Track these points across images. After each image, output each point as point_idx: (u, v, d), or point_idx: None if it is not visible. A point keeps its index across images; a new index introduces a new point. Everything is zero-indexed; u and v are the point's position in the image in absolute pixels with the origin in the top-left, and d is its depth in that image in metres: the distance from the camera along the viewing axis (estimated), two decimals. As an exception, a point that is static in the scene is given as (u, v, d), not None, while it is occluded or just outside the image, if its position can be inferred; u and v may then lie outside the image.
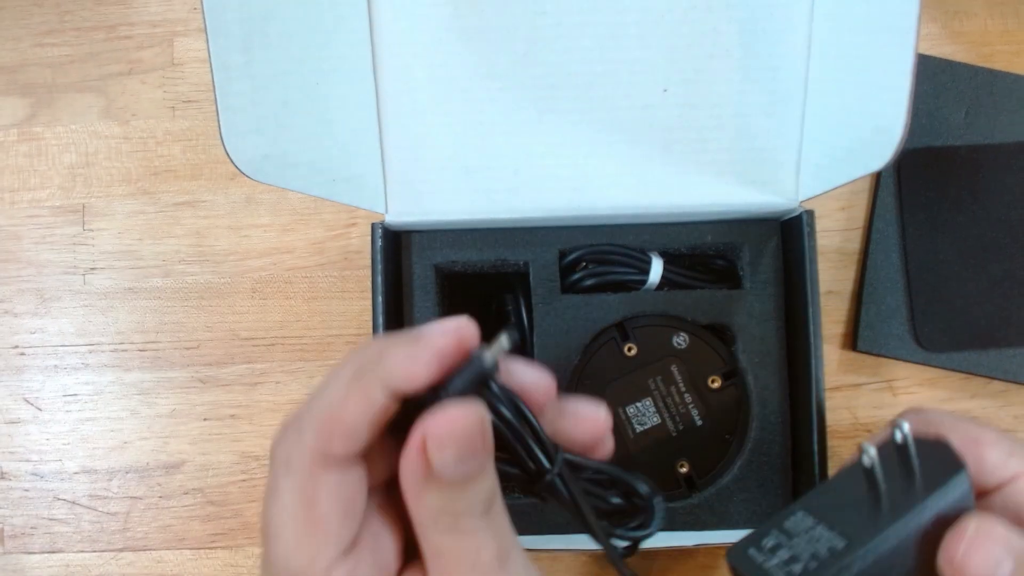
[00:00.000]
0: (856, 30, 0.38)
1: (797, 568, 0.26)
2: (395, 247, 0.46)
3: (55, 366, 0.56)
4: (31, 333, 0.56)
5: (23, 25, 0.58)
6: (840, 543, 0.26)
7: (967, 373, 0.51)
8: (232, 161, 0.37)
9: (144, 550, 0.54)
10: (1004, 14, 0.54)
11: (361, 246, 0.55)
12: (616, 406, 0.46)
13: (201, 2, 0.35)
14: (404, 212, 0.44)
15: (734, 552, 0.28)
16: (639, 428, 0.46)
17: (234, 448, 0.54)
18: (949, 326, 0.50)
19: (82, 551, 0.54)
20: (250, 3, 0.37)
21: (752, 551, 0.27)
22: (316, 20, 0.40)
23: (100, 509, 0.54)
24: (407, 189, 0.44)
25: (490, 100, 0.42)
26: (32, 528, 0.54)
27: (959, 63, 0.53)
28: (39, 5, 0.58)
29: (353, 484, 0.24)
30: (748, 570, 0.26)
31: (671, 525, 0.45)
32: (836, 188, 0.41)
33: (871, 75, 0.37)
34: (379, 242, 0.44)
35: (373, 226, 0.44)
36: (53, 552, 0.54)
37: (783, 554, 0.26)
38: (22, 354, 0.56)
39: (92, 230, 0.56)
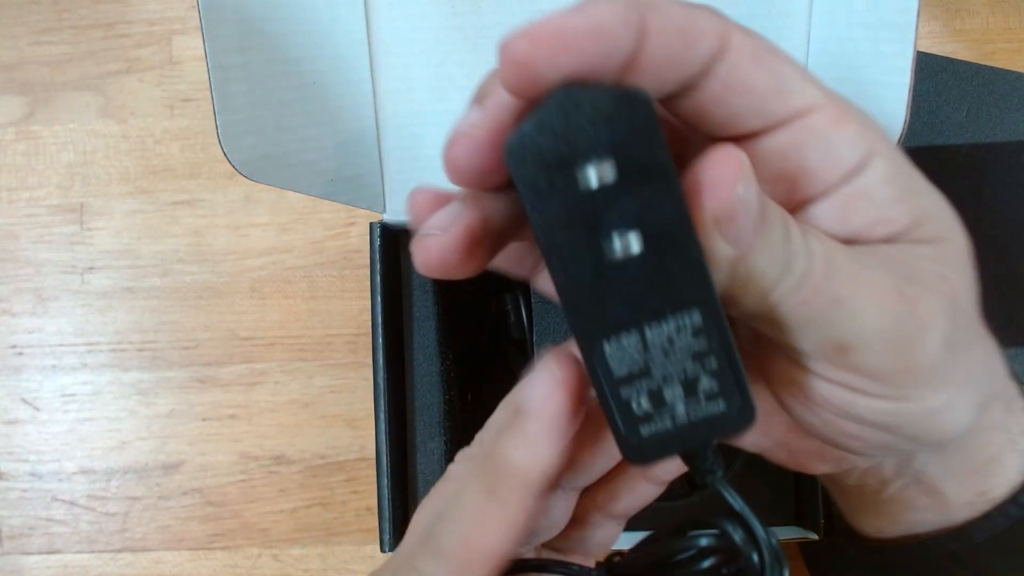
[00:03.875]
0: (855, 27, 0.38)
1: (706, 383, 0.20)
2: (394, 246, 0.46)
3: (53, 366, 0.55)
4: (29, 333, 0.56)
5: (21, 23, 0.58)
6: (694, 319, 0.20)
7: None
8: (229, 162, 0.37)
9: (143, 551, 0.54)
10: (1006, 12, 0.54)
11: (360, 245, 0.55)
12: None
13: (197, 2, 0.35)
14: (403, 211, 0.44)
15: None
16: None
17: (233, 448, 0.54)
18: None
19: (80, 552, 0.54)
20: (246, 3, 0.37)
21: (638, 435, 0.21)
22: (313, 20, 0.40)
23: (99, 509, 0.54)
24: (405, 188, 0.44)
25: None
26: (30, 529, 0.54)
27: (961, 61, 0.53)
28: (37, 3, 0.58)
29: None
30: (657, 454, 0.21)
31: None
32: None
33: (870, 73, 0.37)
34: (378, 241, 0.43)
35: (372, 225, 0.44)
36: (51, 553, 0.54)
37: (652, 390, 0.20)
38: (20, 354, 0.56)
39: (90, 229, 0.56)
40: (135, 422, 0.55)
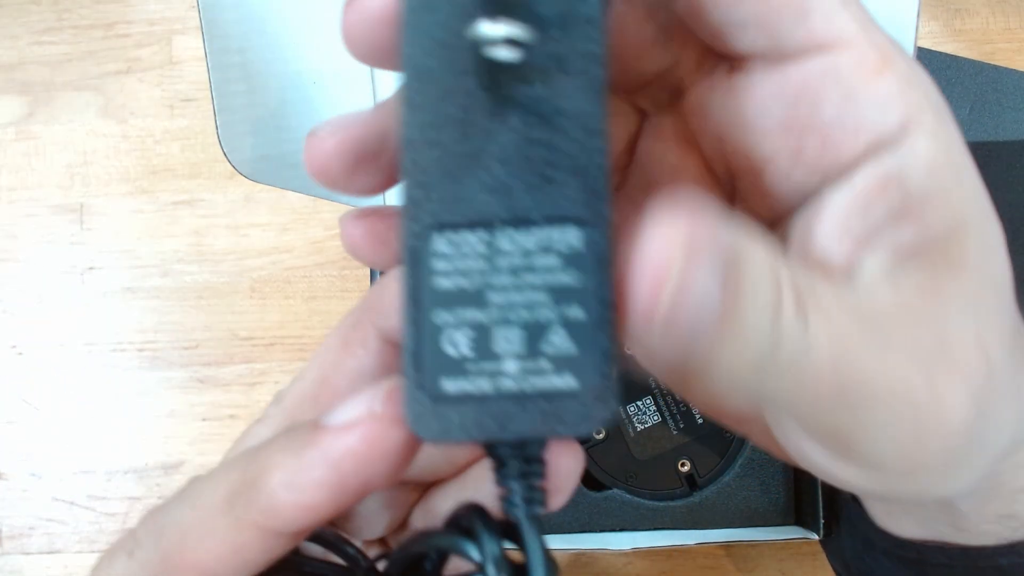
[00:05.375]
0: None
1: (559, 340, 0.14)
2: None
3: (53, 366, 0.55)
4: (29, 333, 0.56)
5: (21, 23, 0.57)
6: (569, 240, 0.14)
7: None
8: (230, 162, 0.37)
9: (143, 550, 0.54)
10: (1006, 12, 0.54)
11: (360, 245, 0.55)
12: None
13: (197, 2, 0.35)
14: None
15: (415, 418, 0.14)
16: (640, 427, 0.46)
17: (233, 448, 0.54)
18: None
19: (81, 552, 0.54)
20: (246, 3, 0.36)
21: (436, 389, 0.14)
22: (313, 20, 0.40)
23: (99, 509, 0.54)
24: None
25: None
26: (30, 528, 0.54)
27: (964, 59, 0.52)
28: (37, 3, 0.58)
29: None
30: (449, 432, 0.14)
31: (671, 524, 0.45)
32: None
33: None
34: (378, 241, 0.43)
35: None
36: (51, 553, 0.54)
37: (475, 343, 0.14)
38: (20, 354, 0.56)
39: (90, 229, 0.56)
40: (135, 422, 0.55)
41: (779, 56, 0.17)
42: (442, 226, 0.14)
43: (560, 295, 0.14)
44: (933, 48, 0.53)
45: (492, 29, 0.13)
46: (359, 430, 0.15)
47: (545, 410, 0.14)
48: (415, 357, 0.14)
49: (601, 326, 0.14)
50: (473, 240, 0.14)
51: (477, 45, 0.13)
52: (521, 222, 0.14)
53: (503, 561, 0.15)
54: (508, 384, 0.14)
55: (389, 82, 0.43)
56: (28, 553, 0.54)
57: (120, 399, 0.55)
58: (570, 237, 0.14)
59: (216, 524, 0.16)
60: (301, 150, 0.43)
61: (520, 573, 0.15)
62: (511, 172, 0.14)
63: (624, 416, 0.46)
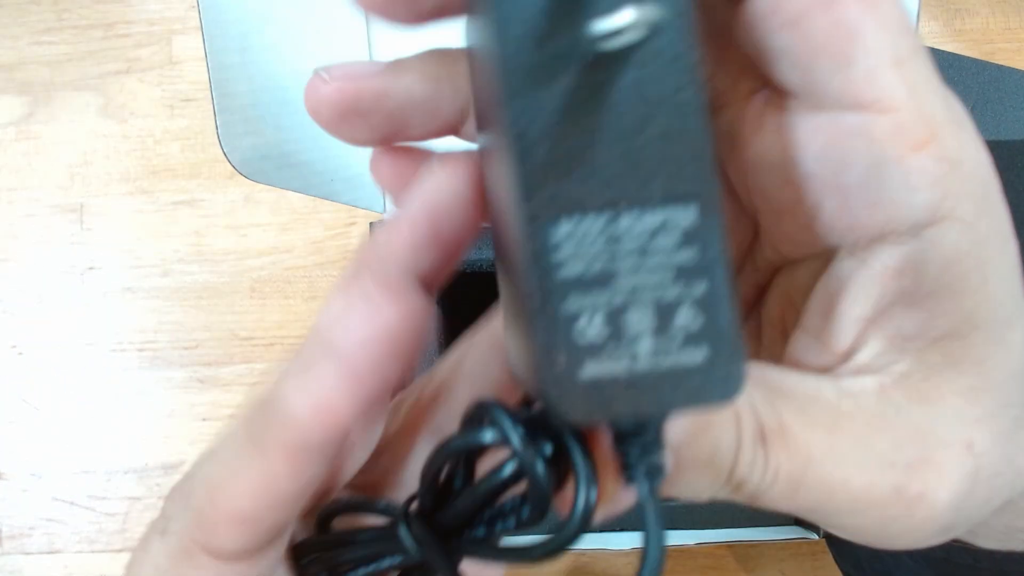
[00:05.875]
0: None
1: (686, 316, 0.14)
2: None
3: (53, 366, 0.55)
4: (29, 333, 0.56)
5: (21, 23, 0.57)
6: (689, 217, 0.14)
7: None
8: (230, 162, 0.37)
9: (143, 550, 0.54)
10: (1006, 12, 0.54)
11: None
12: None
13: (197, 2, 0.35)
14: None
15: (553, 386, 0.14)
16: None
17: (233, 448, 0.54)
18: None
19: (80, 551, 0.54)
20: (246, 3, 0.36)
21: (574, 374, 0.14)
22: (313, 20, 0.40)
23: (99, 509, 0.54)
24: (406, 188, 0.44)
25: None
26: (30, 528, 0.54)
27: (966, 57, 0.52)
28: (37, 3, 0.58)
29: None
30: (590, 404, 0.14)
31: (672, 524, 0.45)
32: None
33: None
34: (378, 241, 0.43)
35: (372, 225, 0.44)
36: (51, 553, 0.54)
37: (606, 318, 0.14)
38: (20, 354, 0.56)
39: (90, 229, 0.56)
40: (135, 422, 0.55)
41: (814, 101, 0.16)
42: (562, 214, 0.14)
43: (682, 271, 0.14)
44: (933, 47, 0.53)
45: (609, 23, 0.13)
46: (371, 333, 0.15)
47: (681, 384, 0.14)
48: (551, 346, 0.14)
49: (724, 297, 0.14)
50: (594, 225, 0.14)
51: (587, 35, 0.14)
52: (639, 202, 0.14)
53: (530, 440, 0.15)
54: (645, 364, 0.14)
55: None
56: (28, 553, 0.54)
57: (120, 399, 0.55)
58: (685, 214, 0.14)
59: (241, 464, 0.16)
60: (301, 150, 0.43)
61: (557, 460, 0.15)
62: (623, 154, 0.14)
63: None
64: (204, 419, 0.54)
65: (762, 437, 0.15)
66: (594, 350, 0.14)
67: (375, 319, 0.15)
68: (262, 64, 0.37)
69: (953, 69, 0.53)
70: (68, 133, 0.57)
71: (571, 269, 0.14)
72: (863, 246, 0.16)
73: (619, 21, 0.13)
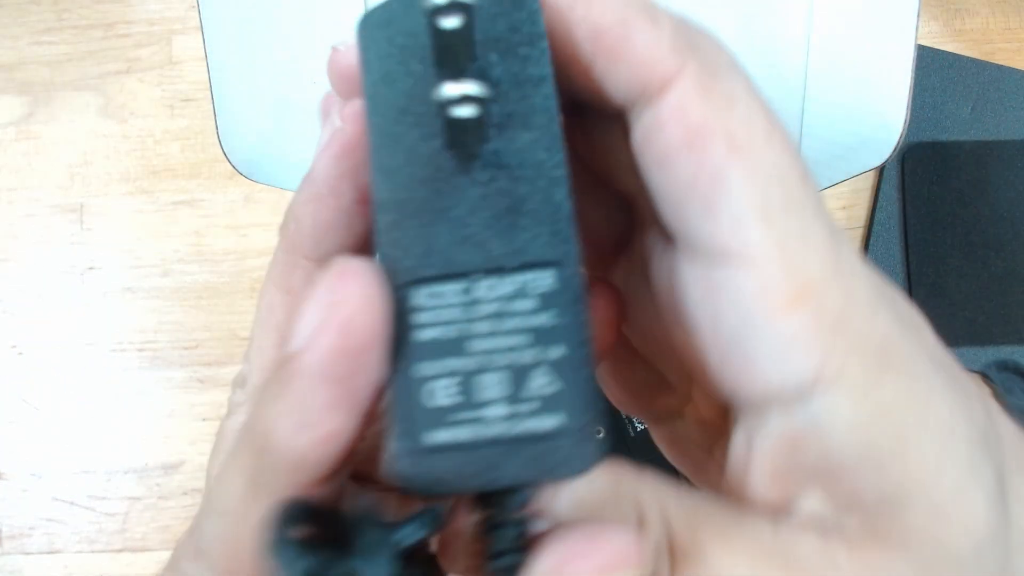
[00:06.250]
0: (855, 25, 0.38)
1: (542, 380, 0.14)
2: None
3: (53, 366, 0.55)
4: (29, 333, 0.56)
5: (21, 23, 0.57)
6: (545, 282, 0.14)
7: (967, 371, 0.50)
8: (230, 162, 0.37)
9: (143, 551, 0.54)
10: (1006, 12, 0.54)
11: (360, 245, 0.55)
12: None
13: (197, 2, 0.35)
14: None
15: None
16: (640, 427, 0.46)
17: (233, 448, 0.54)
18: (948, 322, 0.50)
19: (80, 551, 0.54)
20: (246, 3, 0.36)
21: (416, 440, 0.14)
22: (313, 19, 0.40)
23: (99, 509, 0.54)
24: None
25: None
26: (30, 528, 0.54)
27: (966, 57, 0.52)
28: (37, 3, 0.58)
29: None
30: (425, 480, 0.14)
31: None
32: (836, 185, 0.41)
33: (870, 71, 0.37)
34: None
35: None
36: (51, 553, 0.54)
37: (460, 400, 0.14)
38: (20, 354, 0.56)
39: (90, 229, 0.56)
40: (135, 422, 0.55)
41: (688, 247, 0.15)
42: (420, 281, 0.14)
43: (539, 336, 0.14)
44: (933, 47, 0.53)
45: (454, 89, 0.14)
46: (329, 326, 0.14)
47: (534, 453, 0.14)
48: (400, 411, 0.14)
49: (583, 361, 0.14)
50: (451, 291, 0.14)
51: (440, 107, 0.14)
52: (496, 270, 0.14)
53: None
54: (495, 430, 0.14)
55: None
56: (28, 553, 0.54)
57: (120, 399, 0.55)
58: (544, 279, 0.14)
59: (252, 507, 0.15)
60: (301, 150, 0.43)
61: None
62: (482, 223, 0.14)
63: (624, 416, 0.45)
64: (204, 419, 0.54)
65: (671, 551, 0.14)
66: (443, 414, 0.13)
67: (331, 312, 0.14)
68: (262, 64, 0.37)
69: (952, 70, 0.53)
70: (68, 133, 0.57)
71: (426, 333, 0.14)
72: (755, 410, 0.15)
73: (462, 89, 0.14)
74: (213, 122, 0.36)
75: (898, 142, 0.35)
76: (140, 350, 0.55)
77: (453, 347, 0.14)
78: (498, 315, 0.14)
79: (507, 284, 0.14)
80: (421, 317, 0.14)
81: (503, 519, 0.14)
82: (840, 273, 0.14)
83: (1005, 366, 0.50)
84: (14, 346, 0.56)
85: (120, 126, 0.57)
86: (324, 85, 0.43)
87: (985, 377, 0.50)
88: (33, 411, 0.55)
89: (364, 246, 0.17)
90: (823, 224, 0.14)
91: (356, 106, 0.16)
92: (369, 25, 0.15)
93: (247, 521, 0.15)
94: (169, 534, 0.54)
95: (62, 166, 0.57)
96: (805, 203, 0.14)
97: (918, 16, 0.33)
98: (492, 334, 0.14)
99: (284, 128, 0.39)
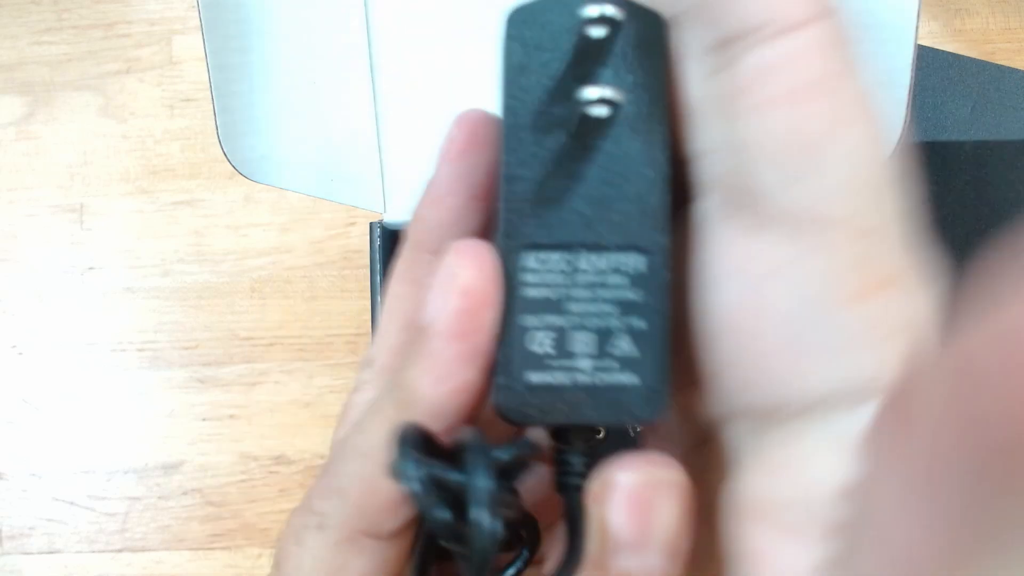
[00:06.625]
0: (855, 27, 0.38)
1: (624, 345, 0.16)
2: (394, 246, 0.45)
3: (53, 366, 0.55)
4: (29, 333, 0.56)
5: (21, 23, 0.57)
6: (637, 265, 0.17)
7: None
8: (229, 162, 0.37)
9: (143, 550, 0.54)
10: (1006, 12, 0.54)
11: (361, 245, 0.55)
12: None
13: (197, 2, 0.35)
14: (403, 211, 0.44)
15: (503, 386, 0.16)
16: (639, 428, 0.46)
17: (233, 448, 0.54)
18: (948, 321, 0.50)
19: (80, 551, 0.54)
20: (246, 3, 0.36)
21: (522, 379, 0.16)
22: (313, 19, 0.40)
23: (98, 509, 0.54)
24: (406, 188, 0.44)
25: (490, 98, 0.42)
26: (30, 528, 0.54)
27: (966, 57, 0.53)
28: (37, 3, 0.58)
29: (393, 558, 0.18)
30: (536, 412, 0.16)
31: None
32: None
33: (870, 71, 0.37)
34: (378, 241, 0.43)
35: (371, 225, 0.44)
36: (51, 553, 0.54)
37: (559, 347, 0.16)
38: (20, 354, 0.56)
39: (90, 229, 0.56)
40: (135, 422, 0.55)
41: (762, 211, 0.14)
42: (532, 246, 0.17)
43: (627, 308, 0.17)
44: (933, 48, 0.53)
45: (594, 92, 0.16)
46: (452, 293, 0.16)
47: (611, 401, 0.16)
48: (506, 353, 0.16)
49: (659, 336, 0.16)
50: (557, 259, 0.17)
51: (577, 104, 0.16)
52: (597, 247, 0.17)
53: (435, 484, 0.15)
54: (583, 379, 0.16)
55: (387, 80, 0.43)
56: (28, 553, 0.54)
57: (120, 399, 0.55)
58: (636, 262, 0.17)
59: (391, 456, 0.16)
60: (301, 150, 0.43)
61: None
62: (591, 207, 0.17)
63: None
64: (204, 419, 0.54)
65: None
66: (541, 360, 0.16)
67: (452, 282, 0.16)
68: (262, 64, 0.37)
69: (952, 69, 0.53)
70: (68, 133, 0.57)
71: (531, 292, 0.16)
72: (778, 418, 0.14)
73: (600, 92, 0.16)
74: (213, 122, 0.36)
75: (898, 142, 0.35)
76: (140, 350, 0.55)
77: (554, 306, 0.17)
78: (594, 285, 0.17)
79: (605, 260, 0.17)
80: (530, 277, 0.17)
81: (578, 450, 0.17)
82: (917, 275, 0.13)
83: None
84: (14, 346, 0.56)
85: (120, 126, 0.57)
86: (324, 85, 0.43)
87: None
88: (33, 411, 0.55)
89: (481, 238, 0.19)
90: (903, 222, 0.14)
91: (467, 118, 0.18)
92: (516, 19, 0.17)
93: (386, 462, 0.16)
94: (169, 534, 0.54)
95: (62, 166, 0.57)
96: (893, 194, 0.14)
97: (918, 16, 0.33)
98: (588, 299, 0.17)
99: (284, 128, 0.39)
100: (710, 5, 0.14)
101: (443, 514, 0.15)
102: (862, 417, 0.13)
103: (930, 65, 0.52)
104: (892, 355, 0.13)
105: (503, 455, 0.16)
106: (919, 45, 0.36)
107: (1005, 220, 0.51)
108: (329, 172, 0.41)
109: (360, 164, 0.43)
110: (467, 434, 0.16)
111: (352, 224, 0.55)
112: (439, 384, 0.16)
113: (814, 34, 0.13)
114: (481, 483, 0.15)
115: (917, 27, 0.33)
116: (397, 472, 0.15)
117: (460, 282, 0.16)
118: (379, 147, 0.43)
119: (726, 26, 0.14)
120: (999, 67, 0.52)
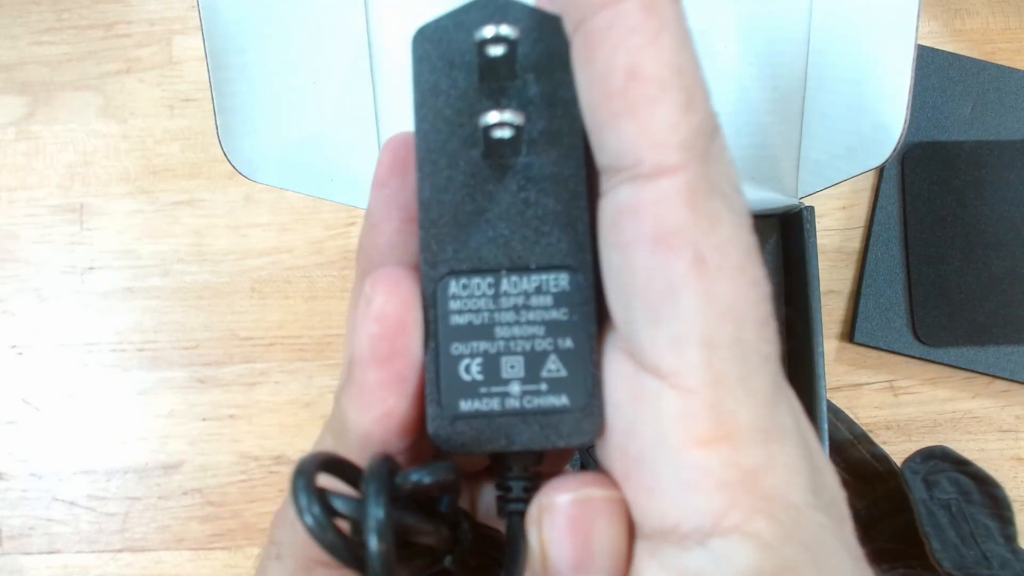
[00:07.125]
0: (856, 26, 0.38)
1: (553, 366, 0.16)
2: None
3: (53, 366, 0.55)
4: (29, 333, 0.56)
5: (21, 23, 0.57)
6: (560, 283, 0.16)
7: (966, 370, 0.50)
8: (229, 162, 0.37)
9: (143, 551, 0.54)
10: (1006, 12, 0.54)
11: (360, 245, 0.55)
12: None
13: (197, 2, 0.35)
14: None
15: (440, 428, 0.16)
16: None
17: (233, 448, 0.54)
18: (948, 321, 0.50)
19: (80, 552, 0.54)
20: (246, 3, 0.36)
21: (454, 407, 0.16)
22: (313, 19, 0.40)
23: (99, 509, 0.54)
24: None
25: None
26: (30, 529, 0.54)
27: (967, 57, 0.53)
28: (37, 3, 0.58)
29: None
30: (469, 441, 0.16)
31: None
32: (836, 185, 0.41)
33: (871, 71, 0.37)
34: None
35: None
36: (51, 553, 0.54)
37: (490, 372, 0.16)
38: (20, 354, 0.56)
39: (90, 229, 0.56)
40: (135, 422, 0.55)
41: (626, 343, 0.15)
42: (455, 273, 0.16)
43: (552, 328, 0.16)
44: (933, 47, 0.53)
45: (494, 117, 0.16)
46: (367, 318, 0.16)
47: (543, 425, 0.16)
48: (436, 382, 0.16)
49: (587, 353, 0.16)
50: (479, 283, 0.16)
51: (481, 127, 0.16)
52: (519, 269, 0.16)
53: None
54: (512, 403, 0.16)
55: (389, 83, 0.43)
56: (28, 553, 0.54)
57: (120, 399, 0.55)
58: (559, 280, 0.16)
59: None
60: (301, 150, 0.43)
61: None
62: (510, 227, 0.16)
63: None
64: (204, 419, 0.54)
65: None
66: (473, 388, 0.16)
67: (367, 309, 0.16)
68: (262, 64, 0.37)
69: (953, 69, 0.53)
70: (68, 133, 0.57)
71: (457, 319, 0.16)
72: (651, 537, 0.15)
73: (501, 117, 0.16)
74: (213, 122, 0.36)
75: (898, 142, 0.35)
76: (140, 350, 0.55)
77: (481, 332, 0.16)
78: (519, 307, 0.16)
79: (527, 281, 0.16)
80: (454, 304, 0.16)
81: (516, 476, 0.17)
82: (768, 432, 0.14)
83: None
84: (14, 346, 0.56)
85: (120, 126, 0.57)
86: (324, 85, 0.43)
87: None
88: (33, 411, 0.55)
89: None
90: (767, 376, 0.14)
91: (392, 142, 0.18)
92: (423, 38, 0.17)
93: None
94: (169, 534, 0.54)
95: (62, 166, 0.57)
96: (755, 349, 0.14)
97: (918, 16, 0.33)
98: (514, 323, 0.16)
99: (284, 128, 0.39)
100: (595, 130, 0.15)
101: (337, 543, 0.15)
102: (696, 558, 0.13)
103: (930, 65, 0.52)
104: (733, 505, 0.13)
105: (404, 482, 0.15)
106: (919, 45, 0.36)
107: (1005, 219, 0.51)
108: (328, 172, 0.41)
109: (360, 164, 0.43)
110: (371, 461, 0.15)
111: (352, 224, 0.55)
112: (365, 412, 0.16)
113: (683, 181, 0.13)
114: (373, 511, 0.14)
115: (917, 27, 0.33)
116: (294, 504, 0.15)
117: (374, 309, 0.16)
118: (379, 147, 0.43)
119: (603, 157, 0.15)
120: (1000, 67, 0.52)
